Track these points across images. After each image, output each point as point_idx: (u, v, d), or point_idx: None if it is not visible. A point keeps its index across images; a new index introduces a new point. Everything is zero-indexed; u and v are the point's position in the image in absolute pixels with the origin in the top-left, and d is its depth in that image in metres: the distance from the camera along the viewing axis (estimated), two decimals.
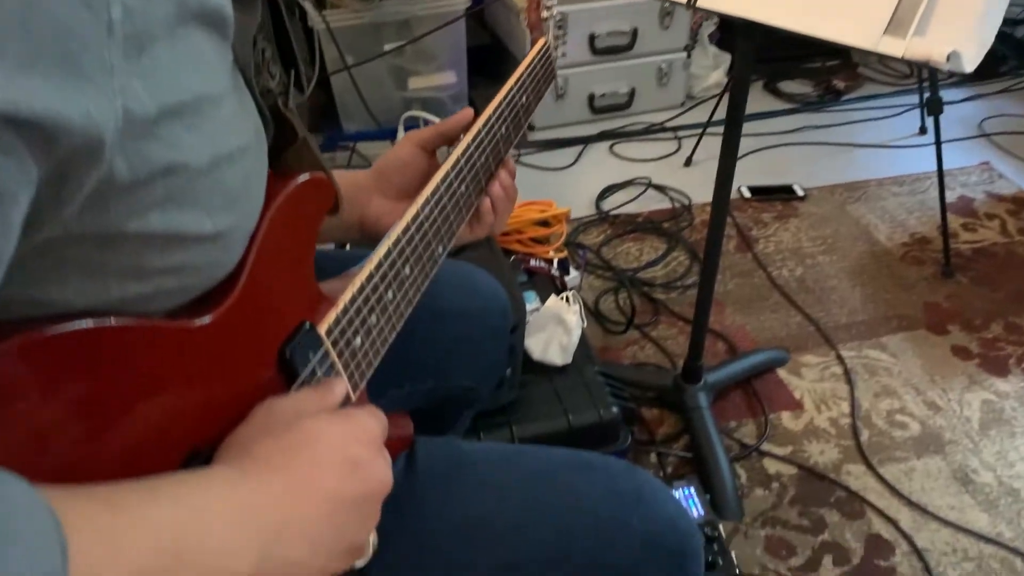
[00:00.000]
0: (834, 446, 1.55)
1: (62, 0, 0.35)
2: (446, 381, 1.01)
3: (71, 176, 0.38)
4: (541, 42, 0.98)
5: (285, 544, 0.47)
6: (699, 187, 2.30)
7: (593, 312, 1.88)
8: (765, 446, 1.56)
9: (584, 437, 1.32)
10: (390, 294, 0.69)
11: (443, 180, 0.76)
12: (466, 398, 1.06)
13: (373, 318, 0.67)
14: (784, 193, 2.26)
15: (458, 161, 0.79)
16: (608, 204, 2.26)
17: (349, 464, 0.51)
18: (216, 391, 0.53)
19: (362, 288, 0.65)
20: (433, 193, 0.75)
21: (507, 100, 0.88)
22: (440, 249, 0.77)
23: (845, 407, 1.63)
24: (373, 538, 0.57)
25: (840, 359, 1.74)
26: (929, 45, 0.98)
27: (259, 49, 0.62)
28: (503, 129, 0.87)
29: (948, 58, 0.96)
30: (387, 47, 2.39)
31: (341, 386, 0.59)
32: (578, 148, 2.51)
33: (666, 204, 2.26)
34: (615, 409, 1.33)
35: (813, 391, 1.67)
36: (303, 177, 0.61)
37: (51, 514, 0.35)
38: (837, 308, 1.88)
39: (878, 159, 2.43)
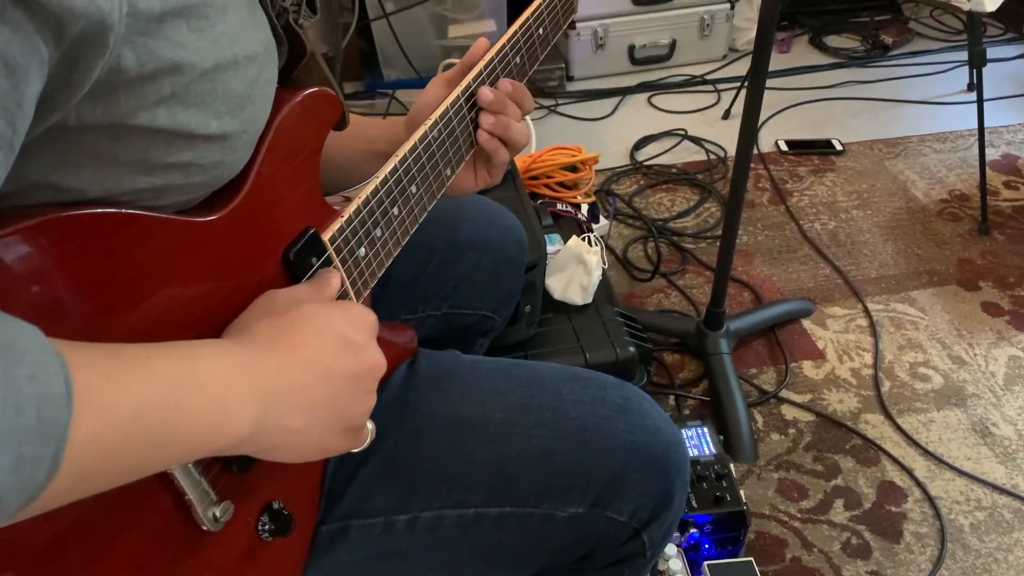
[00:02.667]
0: (853, 396, 1.56)
1: None
2: (460, 307, 1.04)
3: (80, 61, 0.42)
4: None
5: (281, 410, 0.51)
6: (735, 139, 2.28)
7: (620, 259, 1.90)
8: (784, 393, 1.57)
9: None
10: (396, 210, 0.72)
11: (452, 104, 0.79)
12: (480, 326, 1.09)
13: (378, 231, 0.70)
14: (822, 147, 2.24)
15: (469, 86, 0.81)
16: (643, 155, 2.26)
17: (343, 343, 0.55)
18: (221, 286, 0.57)
19: (367, 201, 0.68)
20: (442, 116, 0.77)
21: (523, 30, 0.90)
22: (448, 172, 0.80)
23: (868, 358, 1.64)
24: (371, 426, 0.60)
25: (867, 312, 1.74)
26: None
27: None
28: (517, 59, 0.89)
29: None
30: None
31: (336, 279, 0.63)
32: (616, 99, 2.50)
33: (701, 156, 2.25)
34: (631, 349, 1.36)
35: (837, 342, 1.68)
36: (310, 89, 0.64)
37: (56, 352, 0.39)
38: (867, 262, 1.87)
39: (922, 115, 2.38)
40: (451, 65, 2.36)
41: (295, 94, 0.63)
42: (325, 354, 0.54)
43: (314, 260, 0.64)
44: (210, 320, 0.56)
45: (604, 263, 1.43)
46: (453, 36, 2.51)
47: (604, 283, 1.47)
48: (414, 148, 0.74)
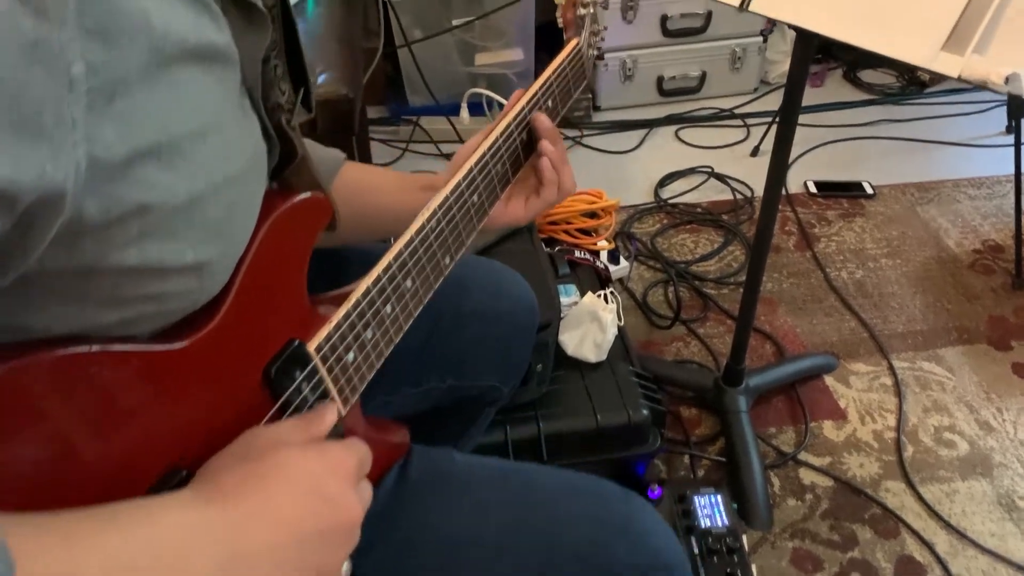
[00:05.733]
0: (875, 460, 1.51)
1: (16, 65, 0.35)
2: (466, 380, 1.01)
3: (35, 224, 0.39)
4: (573, 43, 0.96)
5: (243, 570, 0.48)
6: (763, 179, 2.22)
7: (640, 304, 1.86)
8: (802, 455, 1.52)
9: (612, 437, 1.32)
10: (388, 308, 0.69)
11: (453, 191, 0.76)
12: (487, 396, 1.06)
13: (369, 332, 0.67)
14: (853, 190, 2.18)
15: (471, 171, 0.78)
16: (668, 192, 2.22)
17: (317, 496, 0.52)
18: (196, 410, 0.54)
19: (357, 303, 0.65)
20: (441, 205, 0.74)
21: (531, 105, 0.87)
22: (447, 260, 0.77)
23: (891, 420, 1.58)
24: (346, 566, 0.57)
25: (891, 369, 1.68)
26: (988, 65, 0.92)
27: (272, 65, 0.63)
28: (524, 135, 0.86)
29: (1007, 80, 0.91)
30: (455, 22, 2.38)
31: (331, 414, 0.59)
32: (642, 132, 2.46)
33: (727, 195, 2.21)
34: (645, 412, 1.32)
35: (859, 401, 1.63)
36: (299, 196, 0.61)
37: (4, 545, 0.37)
38: (895, 315, 1.81)
39: (957, 158, 2.32)
40: (476, 95, 2.33)
41: (284, 200, 0.60)
42: (296, 511, 0.51)
43: (297, 373, 0.61)
44: (185, 446, 0.54)
45: (620, 320, 1.40)
46: (480, 64, 2.49)
47: (620, 338, 1.44)
48: (410, 241, 0.71)
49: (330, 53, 1.60)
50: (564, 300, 1.47)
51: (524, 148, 0.87)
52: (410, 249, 0.71)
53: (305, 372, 0.61)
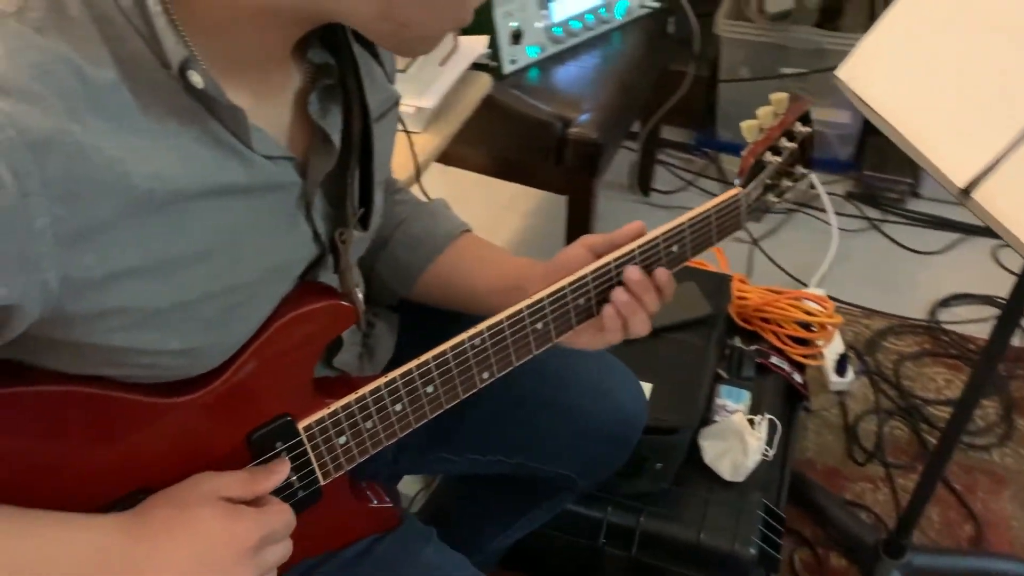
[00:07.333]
0: None
1: None
2: (537, 464, 1.04)
3: (5, 326, 0.52)
4: (733, 192, 0.92)
5: None
6: None
7: (846, 426, 1.72)
8: None
9: (709, 560, 1.28)
10: (399, 407, 0.76)
11: (511, 316, 0.78)
12: (559, 482, 1.08)
13: (369, 424, 0.75)
14: None
15: (541, 300, 0.79)
16: (947, 314, 1.98)
17: (203, 562, 0.60)
18: (175, 451, 0.66)
19: (362, 399, 0.73)
20: (492, 327, 0.77)
21: (644, 250, 0.86)
22: (486, 375, 0.80)
23: None
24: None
25: None
26: None
27: (349, 182, 0.72)
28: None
29: None
30: (785, 70, 2.30)
31: (280, 472, 0.68)
32: (954, 236, 2.20)
33: (1018, 340, 1.92)
34: (753, 551, 1.26)
35: None
36: (329, 301, 0.70)
37: None
38: None
39: None
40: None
41: (315, 299, 0.70)
42: (183, 567, 0.59)
43: (278, 444, 0.71)
44: (159, 476, 0.65)
45: (768, 453, 1.33)
46: None
47: (771, 466, 1.36)
48: (441, 353, 0.75)
49: (601, 95, 1.66)
50: (730, 403, 1.42)
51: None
52: (439, 360, 0.76)
53: (287, 444, 0.71)
